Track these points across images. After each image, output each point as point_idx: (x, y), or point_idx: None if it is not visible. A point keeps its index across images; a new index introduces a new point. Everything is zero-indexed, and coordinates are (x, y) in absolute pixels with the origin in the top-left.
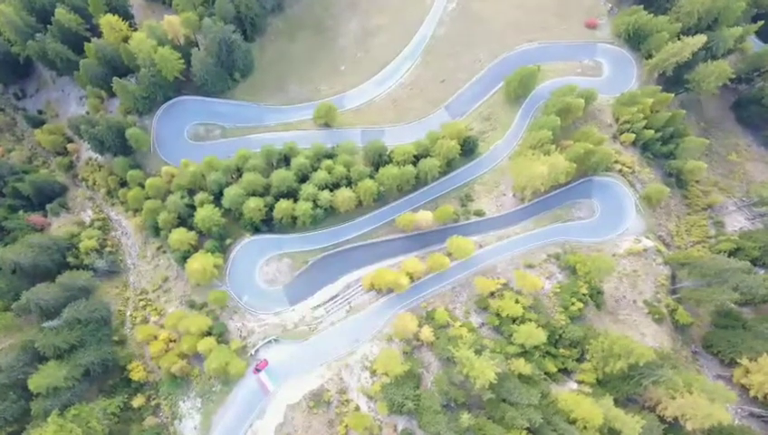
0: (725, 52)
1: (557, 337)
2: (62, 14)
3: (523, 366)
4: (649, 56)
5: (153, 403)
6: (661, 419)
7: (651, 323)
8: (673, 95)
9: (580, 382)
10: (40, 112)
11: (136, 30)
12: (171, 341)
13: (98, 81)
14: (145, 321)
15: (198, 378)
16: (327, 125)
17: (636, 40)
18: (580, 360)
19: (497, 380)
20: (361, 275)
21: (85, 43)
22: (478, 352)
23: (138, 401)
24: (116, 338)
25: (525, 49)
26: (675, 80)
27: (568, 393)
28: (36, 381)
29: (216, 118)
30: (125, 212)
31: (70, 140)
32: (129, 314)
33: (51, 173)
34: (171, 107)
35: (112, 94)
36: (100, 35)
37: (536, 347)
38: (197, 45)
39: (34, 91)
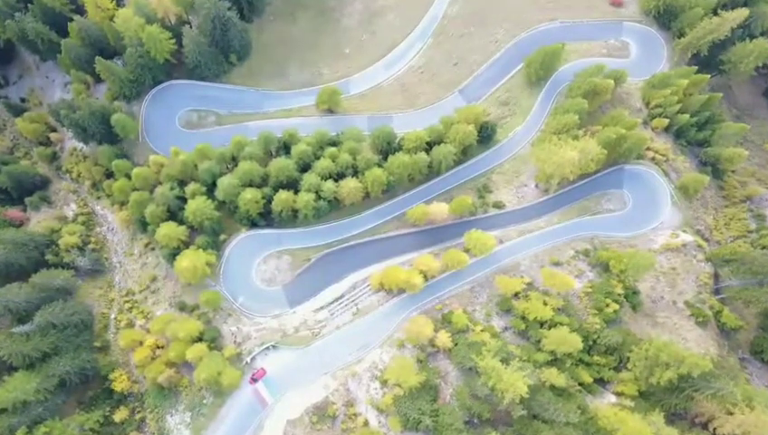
0: (764, 30)
1: (591, 343)
2: None
3: (555, 376)
4: (681, 35)
5: (137, 417)
6: None
7: (694, 326)
8: (709, 76)
9: (619, 394)
10: (23, 100)
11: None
12: (158, 347)
13: (82, 64)
14: (130, 325)
15: (188, 389)
16: (330, 111)
17: (666, 17)
18: (617, 369)
19: (529, 393)
20: (369, 273)
21: (68, 23)
22: (505, 361)
23: (120, 415)
24: (98, 344)
25: (545, 28)
26: (707, 62)
27: (608, 408)
28: (0, 395)
29: (211, 104)
30: (111, 206)
31: (53, 130)
32: (113, 317)
33: (32, 165)
34: (161, 92)
35: (99, 80)
36: (84, 15)
37: (568, 355)
38: (190, 25)
39: (17, 79)
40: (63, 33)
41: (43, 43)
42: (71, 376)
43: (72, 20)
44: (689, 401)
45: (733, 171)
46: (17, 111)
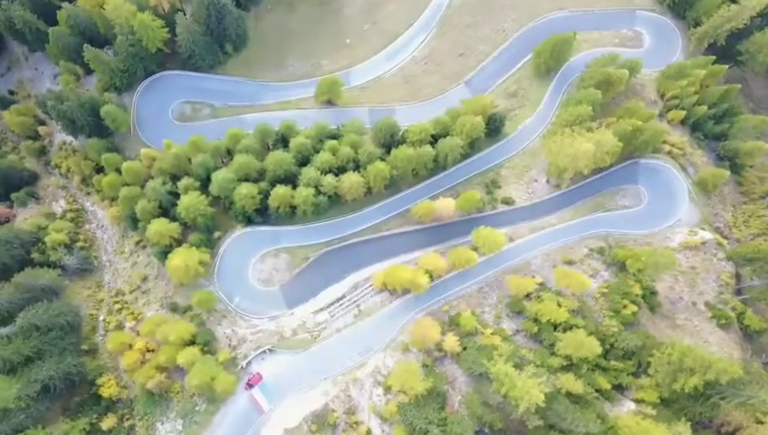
0: None
1: (608, 346)
2: None
3: (572, 383)
4: (697, 24)
5: (126, 425)
6: None
7: (716, 329)
8: (726, 67)
9: (638, 401)
10: (11, 93)
11: None
12: (148, 350)
13: (71, 54)
14: (120, 327)
15: (180, 395)
16: (330, 103)
17: (681, 6)
18: (636, 374)
19: (545, 401)
20: (372, 273)
21: (57, 11)
22: (518, 367)
23: (108, 423)
24: (85, 347)
25: (555, 17)
26: (723, 52)
27: (629, 416)
28: None
29: (206, 95)
30: (101, 202)
31: (42, 123)
32: (101, 318)
33: (20, 159)
34: (154, 83)
35: (90, 71)
36: (74, 2)
37: (584, 359)
38: (184, 12)
39: (5, 70)
40: (53, 22)
41: (30, 32)
42: (55, 381)
43: (60, 8)
44: (715, 409)
45: (751, 166)
46: (5, 103)
